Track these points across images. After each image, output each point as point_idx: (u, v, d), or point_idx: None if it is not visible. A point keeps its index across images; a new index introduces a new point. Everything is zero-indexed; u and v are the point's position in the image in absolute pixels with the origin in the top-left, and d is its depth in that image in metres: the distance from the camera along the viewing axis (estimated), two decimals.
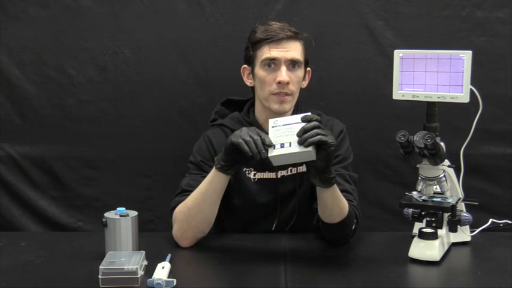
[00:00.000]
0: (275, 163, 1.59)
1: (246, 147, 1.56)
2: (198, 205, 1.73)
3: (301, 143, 1.53)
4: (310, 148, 1.53)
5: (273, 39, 1.80)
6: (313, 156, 1.54)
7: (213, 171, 1.69)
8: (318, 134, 1.52)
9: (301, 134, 1.54)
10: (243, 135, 1.58)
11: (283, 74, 1.79)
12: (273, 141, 1.57)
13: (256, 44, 1.84)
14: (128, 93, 2.32)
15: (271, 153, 1.56)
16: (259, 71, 1.83)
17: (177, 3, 2.27)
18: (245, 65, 1.91)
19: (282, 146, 1.56)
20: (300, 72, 1.84)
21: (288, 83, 1.80)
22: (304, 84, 1.91)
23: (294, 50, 1.81)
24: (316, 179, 1.60)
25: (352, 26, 2.28)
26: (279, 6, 2.27)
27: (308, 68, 1.91)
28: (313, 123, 1.55)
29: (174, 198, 1.83)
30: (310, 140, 1.52)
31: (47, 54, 2.30)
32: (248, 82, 1.91)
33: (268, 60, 1.81)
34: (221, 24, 2.28)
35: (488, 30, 2.25)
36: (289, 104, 1.84)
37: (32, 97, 2.32)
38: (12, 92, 2.31)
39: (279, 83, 1.79)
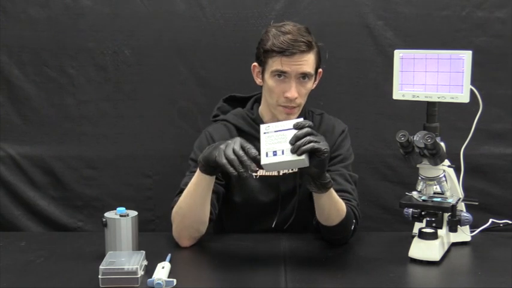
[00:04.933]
0: (267, 170, 1.58)
1: (231, 169, 1.53)
2: (188, 206, 1.73)
3: (294, 151, 1.51)
4: (303, 156, 1.52)
5: (285, 54, 1.74)
6: (306, 164, 1.53)
7: (198, 173, 1.67)
8: (310, 142, 1.51)
9: (294, 141, 1.52)
10: (228, 152, 1.54)
11: (293, 90, 1.77)
12: (265, 149, 1.55)
13: (267, 52, 1.78)
14: (128, 93, 2.32)
15: (264, 160, 1.54)
16: (269, 80, 1.81)
17: (177, 3, 2.27)
18: (255, 64, 1.87)
19: (275, 153, 1.54)
20: (309, 83, 1.81)
21: (296, 98, 1.78)
22: (314, 85, 1.89)
23: (306, 63, 1.77)
24: (312, 185, 1.60)
25: (352, 26, 2.28)
26: (279, 6, 2.27)
27: (320, 70, 1.88)
28: (306, 129, 1.53)
29: (174, 198, 1.83)
30: (303, 148, 1.51)
31: (47, 54, 2.30)
32: (257, 81, 1.88)
33: (279, 72, 1.78)
34: (221, 24, 2.28)
35: (488, 30, 2.25)
36: (296, 115, 1.82)
37: (32, 97, 2.31)
38: (12, 92, 2.31)
39: (287, 97, 1.78)
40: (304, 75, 1.78)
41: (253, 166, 1.52)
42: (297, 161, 1.53)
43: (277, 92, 1.80)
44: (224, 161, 1.54)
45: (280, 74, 1.78)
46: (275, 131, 1.57)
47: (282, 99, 1.79)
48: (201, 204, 1.73)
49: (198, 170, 1.68)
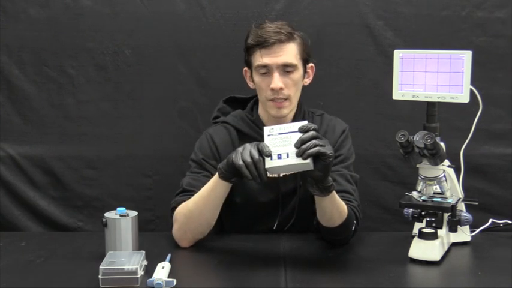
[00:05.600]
0: (272, 173, 1.58)
1: (247, 172, 1.54)
2: (199, 208, 1.73)
3: (299, 154, 1.51)
4: (308, 160, 1.51)
5: (264, 45, 1.77)
6: (310, 167, 1.53)
7: (216, 178, 1.68)
8: (316, 146, 1.51)
9: (299, 145, 1.52)
10: (244, 155, 1.54)
11: (275, 81, 1.77)
12: None
13: (249, 49, 1.82)
14: (128, 93, 2.32)
15: (269, 164, 1.54)
16: (255, 77, 1.83)
17: (177, 3, 2.28)
18: (246, 68, 1.90)
19: (279, 156, 1.53)
20: (295, 74, 1.81)
21: (282, 89, 1.78)
22: (307, 81, 1.89)
23: (287, 54, 1.78)
24: (314, 188, 1.59)
25: (352, 26, 2.28)
26: (279, 6, 2.27)
27: (311, 64, 1.89)
28: (311, 133, 1.53)
29: (175, 198, 1.83)
30: (309, 151, 1.50)
31: (47, 54, 2.29)
32: (250, 84, 1.90)
33: (261, 66, 1.79)
34: (221, 24, 2.28)
35: (488, 30, 2.25)
36: (287, 109, 1.83)
37: (32, 97, 2.31)
38: (12, 92, 2.31)
39: (272, 89, 1.79)
40: (287, 66, 1.79)
41: (265, 177, 1.54)
42: (301, 165, 1.52)
43: (264, 87, 1.81)
44: (241, 162, 1.54)
45: (263, 68, 1.79)
46: (279, 134, 1.56)
47: (269, 93, 1.80)
48: (212, 209, 1.73)
49: (215, 177, 1.68)
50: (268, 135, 1.57)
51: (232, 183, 1.67)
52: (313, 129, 1.53)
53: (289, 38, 1.79)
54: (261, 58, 1.78)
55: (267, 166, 1.54)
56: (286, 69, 1.79)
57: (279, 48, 1.77)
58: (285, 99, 1.80)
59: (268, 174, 1.85)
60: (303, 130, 1.54)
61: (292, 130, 1.55)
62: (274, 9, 2.27)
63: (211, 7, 2.27)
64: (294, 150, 1.52)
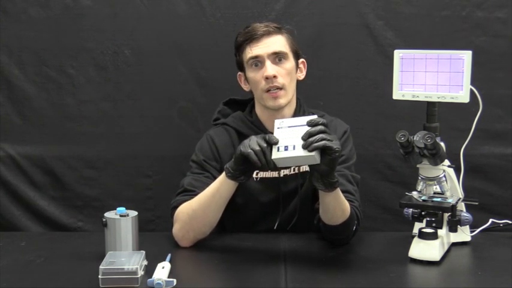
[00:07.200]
0: (278, 165, 1.59)
1: (255, 158, 1.56)
2: (203, 209, 1.73)
3: (305, 147, 1.52)
4: (314, 153, 1.52)
5: (252, 38, 1.82)
6: (317, 161, 1.54)
7: (222, 178, 1.68)
8: (323, 139, 1.52)
9: (306, 137, 1.53)
10: (252, 144, 1.57)
11: (268, 68, 1.80)
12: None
13: (239, 48, 1.86)
14: (128, 93, 2.32)
15: (275, 155, 1.56)
16: (249, 73, 1.85)
17: (177, 3, 2.28)
18: (239, 72, 1.92)
19: (286, 148, 1.55)
20: (288, 64, 1.84)
21: (275, 77, 1.80)
22: (301, 76, 1.91)
23: (275, 43, 1.83)
24: (319, 182, 1.60)
25: (352, 26, 2.27)
26: (279, 6, 2.27)
27: (302, 59, 1.91)
28: (319, 127, 1.54)
29: (175, 197, 1.83)
30: (315, 144, 1.51)
31: (47, 54, 2.30)
32: (246, 88, 1.92)
33: (252, 59, 1.82)
34: (221, 24, 2.28)
35: (488, 30, 2.25)
36: (284, 99, 1.83)
37: (32, 97, 2.31)
38: (12, 92, 2.31)
39: (267, 78, 1.80)
40: (278, 55, 1.82)
41: (275, 164, 1.57)
42: (307, 157, 1.54)
43: (258, 79, 1.83)
44: (249, 150, 1.57)
45: (254, 61, 1.82)
46: (288, 127, 1.58)
47: (263, 83, 1.82)
48: (216, 210, 1.74)
49: (221, 177, 1.69)
50: (278, 128, 1.60)
51: (239, 182, 1.68)
52: (322, 124, 1.55)
53: (277, 31, 1.85)
54: (251, 51, 1.82)
55: (273, 157, 1.56)
56: (277, 58, 1.82)
57: (268, 39, 1.82)
58: (280, 89, 1.82)
59: (263, 174, 1.86)
60: (311, 124, 1.55)
61: (301, 124, 1.57)
62: (274, 9, 2.27)
63: (211, 7, 2.27)
64: (301, 142, 1.54)
